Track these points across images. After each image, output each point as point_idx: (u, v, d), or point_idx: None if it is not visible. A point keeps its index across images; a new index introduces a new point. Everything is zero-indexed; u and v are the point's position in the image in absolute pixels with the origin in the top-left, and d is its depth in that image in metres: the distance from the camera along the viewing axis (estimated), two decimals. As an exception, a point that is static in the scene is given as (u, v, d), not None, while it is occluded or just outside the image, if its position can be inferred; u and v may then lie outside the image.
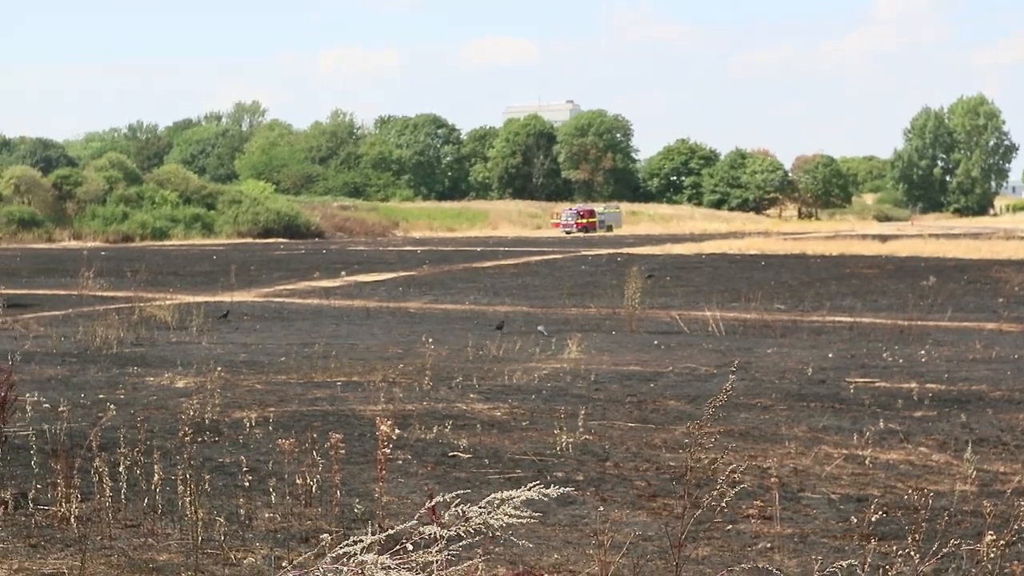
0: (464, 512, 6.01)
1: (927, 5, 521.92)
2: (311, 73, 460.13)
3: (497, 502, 6.09)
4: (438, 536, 5.98)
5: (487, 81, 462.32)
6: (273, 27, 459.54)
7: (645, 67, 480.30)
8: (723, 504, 8.97)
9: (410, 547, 5.99)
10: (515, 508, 6.09)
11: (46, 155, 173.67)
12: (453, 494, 6.13)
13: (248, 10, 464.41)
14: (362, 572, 5.79)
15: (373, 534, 6.04)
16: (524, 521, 6.11)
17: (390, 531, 6.23)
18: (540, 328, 30.89)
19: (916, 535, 8.35)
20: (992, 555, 8.07)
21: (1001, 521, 10.85)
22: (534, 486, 6.18)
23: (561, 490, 6.47)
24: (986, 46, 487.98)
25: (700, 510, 9.97)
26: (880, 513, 10.73)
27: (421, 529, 6.02)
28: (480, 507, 6.04)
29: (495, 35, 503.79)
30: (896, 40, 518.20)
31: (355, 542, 5.98)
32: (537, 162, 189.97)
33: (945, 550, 9.18)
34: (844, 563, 8.14)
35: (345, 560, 5.87)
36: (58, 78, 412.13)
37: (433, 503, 6.13)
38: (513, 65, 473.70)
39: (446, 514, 6.02)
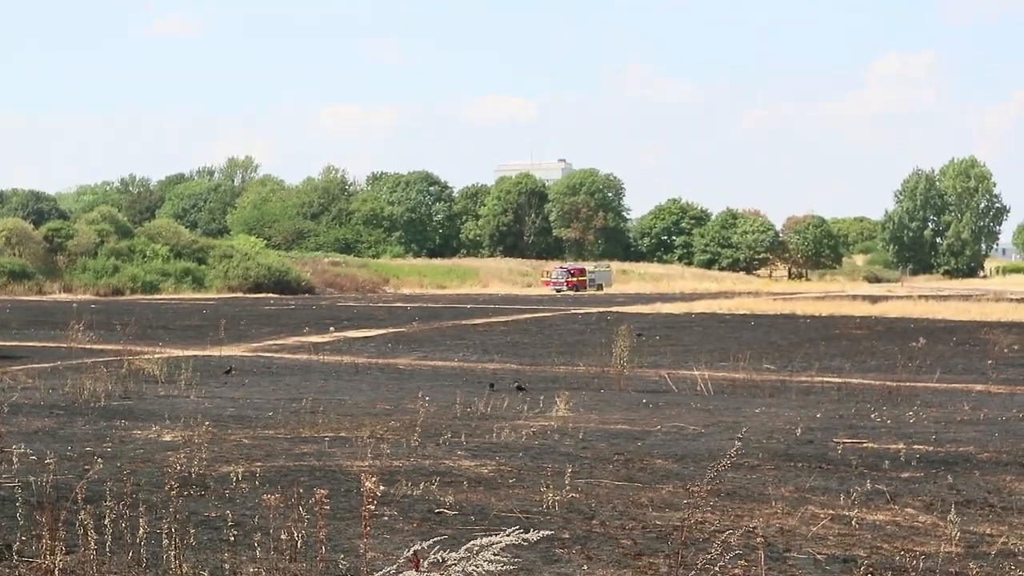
0: (443, 559, 6.01)
1: (921, 69, 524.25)
2: (305, 129, 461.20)
3: (477, 548, 6.08)
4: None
5: (480, 139, 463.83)
6: (269, 83, 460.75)
7: (637, 127, 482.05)
8: (716, 568, 8.97)
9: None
10: (494, 555, 6.08)
11: (38, 207, 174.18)
12: (431, 541, 6.12)
13: (244, 65, 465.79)
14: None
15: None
16: (503, 568, 6.09)
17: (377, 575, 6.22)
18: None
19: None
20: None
21: (987, 583, 10.85)
22: (513, 531, 6.17)
23: (540, 533, 6.46)
24: (979, 110, 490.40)
25: (693, 572, 9.94)
26: (868, 575, 10.72)
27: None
28: (459, 554, 6.04)
29: (489, 94, 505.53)
30: (889, 102, 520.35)
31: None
32: (528, 220, 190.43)
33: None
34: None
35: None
36: (51, 130, 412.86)
37: (413, 550, 6.12)
38: (506, 123, 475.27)
39: (426, 562, 6.01)
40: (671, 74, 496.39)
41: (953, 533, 13.07)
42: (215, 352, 41.19)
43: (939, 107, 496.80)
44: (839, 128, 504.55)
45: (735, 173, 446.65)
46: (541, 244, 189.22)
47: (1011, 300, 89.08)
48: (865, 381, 33.44)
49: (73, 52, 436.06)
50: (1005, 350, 43.87)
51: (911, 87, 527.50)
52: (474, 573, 6.04)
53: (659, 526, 13.68)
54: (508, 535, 6.23)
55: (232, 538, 11.69)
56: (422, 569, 6.06)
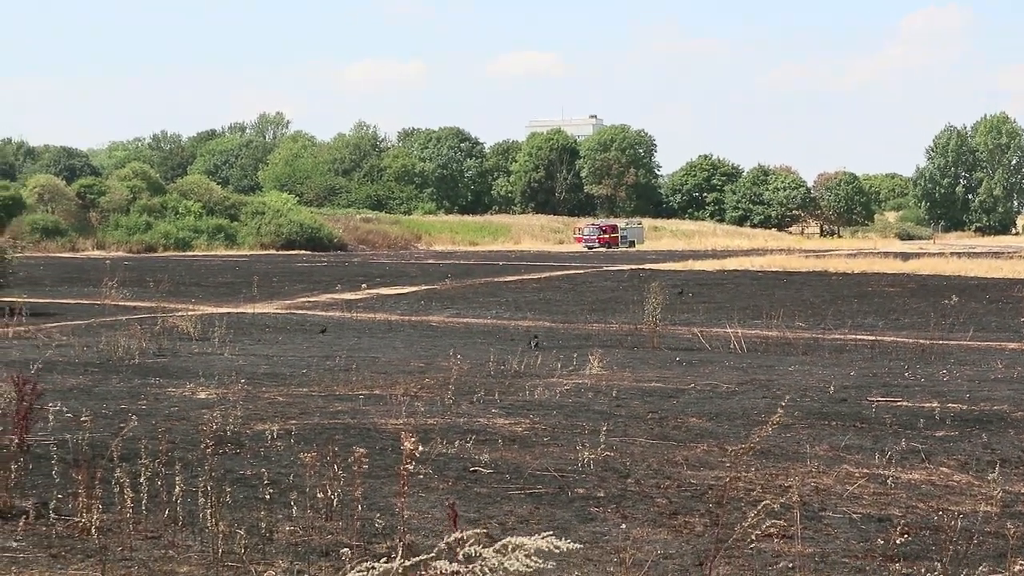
0: (479, 552, 5.99)
1: (953, 24, 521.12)
2: (336, 85, 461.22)
3: (511, 547, 6.07)
4: (456, 572, 5.96)
5: (511, 95, 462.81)
6: (299, 38, 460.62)
7: (668, 82, 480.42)
8: (748, 525, 8.95)
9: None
10: (527, 555, 6.07)
11: (70, 164, 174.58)
12: (472, 532, 6.12)
13: (274, 21, 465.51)
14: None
15: (393, 553, 6.05)
16: (540, 566, 6.07)
17: (408, 562, 6.21)
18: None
19: (943, 558, 8.30)
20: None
21: (1024, 543, 10.80)
22: (547, 536, 6.15)
23: (570, 545, 6.41)
24: (1011, 66, 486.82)
25: (729, 532, 9.91)
26: (904, 535, 10.67)
27: (438, 565, 6.00)
28: (495, 550, 6.02)
29: (520, 49, 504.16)
30: (921, 59, 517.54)
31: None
32: (560, 177, 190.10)
33: (975, 573, 9.14)
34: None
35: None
36: (83, 87, 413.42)
37: (458, 536, 6.10)
38: (537, 79, 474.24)
39: (461, 553, 5.99)
40: (701, 28, 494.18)
41: (994, 492, 13.00)
42: (248, 309, 41.28)
43: (971, 63, 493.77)
44: (871, 84, 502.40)
45: (766, 129, 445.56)
46: (572, 201, 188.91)
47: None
48: (898, 339, 33.34)
49: (104, 9, 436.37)
50: (1039, 308, 43.64)
51: (943, 43, 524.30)
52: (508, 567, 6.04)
53: (694, 485, 13.66)
54: (543, 538, 6.22)
55: (268, 496, 11.72)
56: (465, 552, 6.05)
